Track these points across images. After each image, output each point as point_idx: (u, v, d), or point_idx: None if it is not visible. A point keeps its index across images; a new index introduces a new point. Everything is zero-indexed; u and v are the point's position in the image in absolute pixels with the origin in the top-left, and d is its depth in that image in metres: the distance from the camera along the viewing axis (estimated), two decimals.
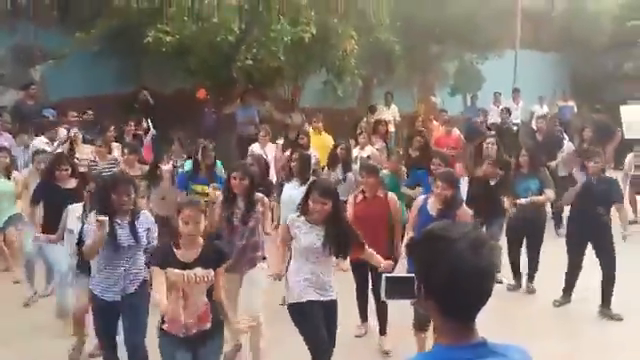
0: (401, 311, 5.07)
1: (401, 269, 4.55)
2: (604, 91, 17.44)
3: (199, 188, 6.33)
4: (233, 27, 10.64)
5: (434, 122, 12.33)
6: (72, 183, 5.78)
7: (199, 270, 3.63)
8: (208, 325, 3.67)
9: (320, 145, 8.84)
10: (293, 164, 6.24)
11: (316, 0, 11.62)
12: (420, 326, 4.78)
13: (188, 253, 3.66)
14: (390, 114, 12.44)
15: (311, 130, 9.62)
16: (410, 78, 15.05)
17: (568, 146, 10.10)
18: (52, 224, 5.41)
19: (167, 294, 3.58)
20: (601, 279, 6.10)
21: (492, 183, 6.75)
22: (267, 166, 7.16)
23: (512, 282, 6.91)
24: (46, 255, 5.79)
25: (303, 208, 4.18)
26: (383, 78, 14.44)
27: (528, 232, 6.79)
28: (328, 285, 4.17)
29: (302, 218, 4.18)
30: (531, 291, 6.80)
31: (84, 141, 8.57)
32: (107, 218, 3.96)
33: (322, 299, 4.13)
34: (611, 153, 11.33)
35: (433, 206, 4.89)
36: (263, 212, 4.90)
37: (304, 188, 5.50)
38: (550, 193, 6.70)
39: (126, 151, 7.14)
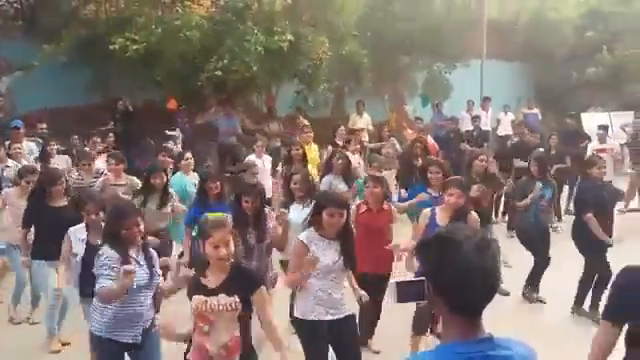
0: (390, 315, 5.17)
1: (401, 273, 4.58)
2: (566, 99, 18.00)
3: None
4: (200, 37, 10.61)
5: (408, 130, 12.52)
6: (63, 201, 5.45)
7: (223, 297, 3.31)
8: (236, 358, 3.34)
9: (311, 156, 8.49)
10: (294, 185, 5.58)
11: (287, 10, 11.74)
12: (419, 330, 4.83)
13: (213, 278, 3.37)
14: (363, 123, 12.54)
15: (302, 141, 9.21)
16: (380, 87, 15.24)
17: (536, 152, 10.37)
18: (45, 246, 5.19)
19: (193, 324, 3.37)
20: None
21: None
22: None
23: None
24: (33, 278, 5.57)
25: (315, 223, 3.94)
26: (354, 88, 14.58)
27: (538, 240, 6.69)
28: (339, 303, 3.96)
29: (317, 234, 3.93)
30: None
31: (58, 152, 8.42)
32: (134, 268, 3.62)
33: (333, 318, 3.92)
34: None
35: (442, 217, 4.77)
36: (274, 227, 4.86)
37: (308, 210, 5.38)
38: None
39: (113, 161, 6.81)
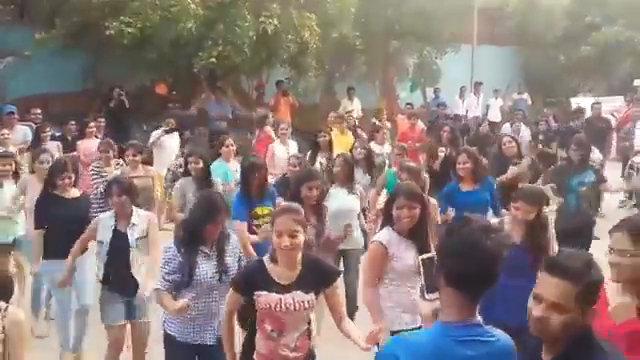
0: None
1: None
2: (556, 84, 18.15)
3: (264, 210, 5.09)
4: (195, 16, 10.63)
5: (400, 116, 12.67)
6: (75, 193, 5.05)
7: (299, 294, 2.95)
8: (302, 356, 3.03)
9: (345, 146, 8.21)
10: (337, 169, 5.43)
11: None
12: None
13: (286, 273, 2.97)
14: (354, 108, 12.65)
15: (335, 129, 9.20)
16: (371, 73, 15.34)
17: (526, 134, 10.59)
18: (57, 244, 4.71)
19: (258, 324, 3.01)
20: None
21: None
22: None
23: None
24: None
25: (387, 219, 3.60)
26: (344, 73, 14.67)
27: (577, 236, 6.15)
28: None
29: (395, 233, 3.54)
30: None
31: (52, 138, 8.51)
32: (189, 304, 3.33)
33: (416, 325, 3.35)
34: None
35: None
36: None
37: (353, 197, 5.29)
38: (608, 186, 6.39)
39: (130, 152, 6.30)
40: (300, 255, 2.97)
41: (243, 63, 11.01)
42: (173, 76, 11.74)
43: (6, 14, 11.66)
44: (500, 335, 1.95)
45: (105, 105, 11.37)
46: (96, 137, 8.72)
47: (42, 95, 11.41)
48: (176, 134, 10.14)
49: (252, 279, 3.00)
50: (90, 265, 4.80)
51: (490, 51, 18.22)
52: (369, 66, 14.49)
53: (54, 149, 8.21)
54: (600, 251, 2.55)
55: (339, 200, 5.17)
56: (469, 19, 16.93)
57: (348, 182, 5.39)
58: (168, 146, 9.61)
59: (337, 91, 14.84)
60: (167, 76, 11.77)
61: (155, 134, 9.67)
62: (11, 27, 11.57)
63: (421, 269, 2.08)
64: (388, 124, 11.61)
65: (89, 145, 8.47)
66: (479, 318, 1.91)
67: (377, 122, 10.66)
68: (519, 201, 3.94)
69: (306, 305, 2.96)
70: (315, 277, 2.99)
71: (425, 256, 2.11)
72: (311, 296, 2.97)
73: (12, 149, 8.06)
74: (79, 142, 8.69)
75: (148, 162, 7.22)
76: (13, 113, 9.05)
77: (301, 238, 2.90)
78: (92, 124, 8.90)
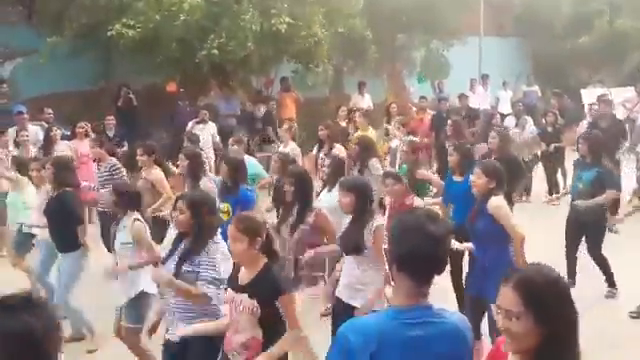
0: None
1: None
2: (566, 75, 18.01)
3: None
4: (197, 19, 10.62)
5: (413, 109, 12.63)
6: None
7: (245, 297, 3.12)
8: (247, 358, 3.16)
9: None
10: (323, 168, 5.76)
11: None
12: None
13: (245, 274, 3.21)
14: (365, 103, 12.58)
15: (358, 126, 9.21)
16: (380, 66, 15.28)
17: (531, 130, 10.49)
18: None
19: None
20: None
21: None
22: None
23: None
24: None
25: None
26: (353, 66, 14.61)
27: (586, 233, 6.23)
28: None
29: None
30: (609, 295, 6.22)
31: (62, 138, 8.53)
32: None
33: None
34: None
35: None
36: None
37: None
38: (610, 194, 6.06)
39: (139, 152, 6.24)
40: (262, 261, 3.14)
41: (248, 58, 10.94)
42: (181, 74, 11.73)
43: (15, 15, 11.69)
44: (452, 317, 2.04)
45: (114, 104, 11.40)
46: (86, 137, 8.64)
47: (52, 95, 11.43)
48: (211, 125, 10.12)
49: (233, 273, 3.30)
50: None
51: (497, 42, 18.10)
52: (377, 60, 14.43)
53: (66, 149, 8.23)
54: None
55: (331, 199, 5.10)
56: (475, 10, 16.82)
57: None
58: (200, 138, 9.67)
59: (346, 85, 14.80)
60: (175, 74, 11.75)
61: (190, 126, 9.73)
62: (20, 28, 11.60)
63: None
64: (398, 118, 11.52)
65: (79, 146, 8.51)
66: (428, 302, 1.99)
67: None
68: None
69: (249, 310, 3.07)
70: (263, 286, 3.10)
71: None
72: (254, 302, 3.06)
73: (32, 149, 8.10)
74: (70, 142, 8.65)
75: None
76: (23, 113, 9.04)
77: (239, 246, 3.08)
78: (82, 124, 8.85)
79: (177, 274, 3.54)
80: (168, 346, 3.66)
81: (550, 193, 9.97)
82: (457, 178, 5.62)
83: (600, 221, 6.14)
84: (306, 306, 4.33)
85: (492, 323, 4.14)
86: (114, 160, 6.99)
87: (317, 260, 4.46)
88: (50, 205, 5.29)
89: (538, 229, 6.98)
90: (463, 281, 5.30)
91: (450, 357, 1.99)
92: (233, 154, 6.32)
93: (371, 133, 8.67)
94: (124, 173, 6.82)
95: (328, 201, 5.15)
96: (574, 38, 17.61)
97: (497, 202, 4.21)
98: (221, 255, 3.73)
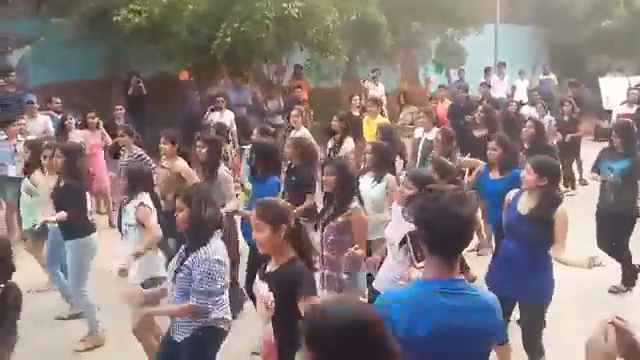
0: None
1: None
2: (584, 63, 17.61)
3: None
4: (207, 6, 10.44)
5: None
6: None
7: (264, 287, 2.92)
8: (264, 348, 3.03)
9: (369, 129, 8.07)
10: (370, 155, 5.13)
11: None
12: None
13: (271, 264, 2.98)
14: (379, 93, 12.29)
15: (366, 115, 9.02)
16: (394, 54, 15.02)
17: (548, 120, 10.21)
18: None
19: None
20: None
21: None
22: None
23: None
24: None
25: None
26: (366, 55, 14.37)
27: (615, 229, 5.93)
28: None
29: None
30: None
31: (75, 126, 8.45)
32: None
33: None
34: None
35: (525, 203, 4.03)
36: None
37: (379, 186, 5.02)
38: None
39: (162, 140, 5.81)
40: (289, 253, 2.87)
41: (261, 44, 10.74)
42: (191, 61, 11.59)
43: (24, 4, 11.60)
44: (481, 290, 2.15)
45: (124, 93, 11.30)
46: (97, 128, 8.61)
47: (61, 83, 11.36)
48: (228, 113, 10.15)
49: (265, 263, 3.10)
50: None
51: (513, 30, 17.74)
52: (391, 48, 14.18)
53: (80, 138, 8.14)
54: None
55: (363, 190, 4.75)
56: None
57: (378, 171, 5.06)
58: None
59: (359, 75, 14.57)
60: (185, 62, 11.61)
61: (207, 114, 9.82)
62: (29, 17, 11.51)
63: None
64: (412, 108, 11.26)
65: (90, 137, 8.42)
66: (459, 275, 2.08)
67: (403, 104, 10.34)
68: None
69: (265, 299, 2.85)
70: (283, 282, 2.82)
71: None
72: (270, 295, 2.83)
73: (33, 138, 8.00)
74: (79, 132, 8.50)
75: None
76: (33, 102, 9.00)
77: (261, 235, 2.83)
78: (93, 114, 8.69)
79: (174, 280, 3.36)
80: (165, 340, 3.56)
81: (565, 185, 9.74)
82: (494, 175, 5.37)
83: (629, 215, 5.86)
84: None
85: (527, 327, 4.03)
86: (139, 149, 6.83)
87: (342, 261, 4.08)
88: (57, 192, 5.24)
89: None
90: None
91: (486, 328, 2.06)
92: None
93: (383, 121, 8.45)
94: (150, 162, 6.60)
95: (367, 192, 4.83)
96: (593, 23, 17.13)
97: (562, 211, 3.91)
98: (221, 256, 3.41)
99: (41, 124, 8.85)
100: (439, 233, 2.02)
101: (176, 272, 3.36)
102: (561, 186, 9.66)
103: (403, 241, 3.45)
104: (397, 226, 3.73)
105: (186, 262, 3.31)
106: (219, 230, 3.48)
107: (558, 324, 4.77)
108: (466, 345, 2.01)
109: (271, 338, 2.94)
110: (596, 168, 6.16)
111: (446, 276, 2.04)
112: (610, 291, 5.97)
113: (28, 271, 5.67)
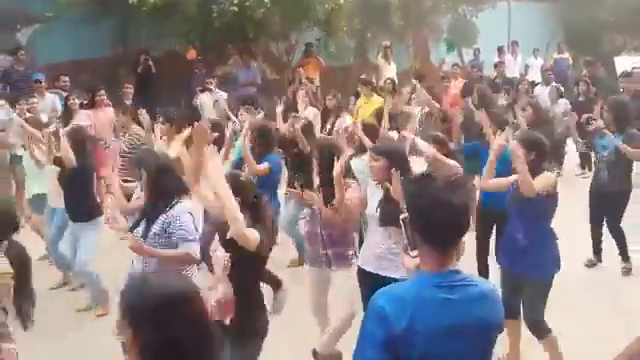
0: None
1: None
2: (599, 42, 17.25)
3: None
4: None
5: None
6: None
7: (221, 250, 3.26)
8: (226, 321, 3.21)
9: (364, 109, 8.08)
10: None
11: None
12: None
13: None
14: (390, 72, 12.04)
15: (361, 95, 8.98)
16: (404, 32, 14.78)
17: (563, 103, 10.01)
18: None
19: None
20: None
21: None
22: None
23: (592, 258, 6.24)
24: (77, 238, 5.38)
25: None
26: (377, 32, 14.14)
27: (608, 207, 6.00)
28: None
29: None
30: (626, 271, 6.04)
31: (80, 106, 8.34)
32: None
33: None
34: None
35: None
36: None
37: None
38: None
39: (160, 120, 5.88)
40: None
41: (268, 20, 10.57)
42: (200, 39, 11.47)
43: None
44: (480, 281, 2.09)
45: (133, 71, 11.22)
46: (106, 106, 8.41)
47: (70, 62, 11.29)
48: (220, 93, 10.14)
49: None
50: None
51: (527, 7, 17.38)
52: (402, 26, 13.95)
53: (85, 119, 8.07)
54: None
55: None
56: None
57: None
58: (206, 106, 9.77)
59: (370, 53, 14.36)
60: (194, 39, 11.49)
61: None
62: None
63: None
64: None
65: (100, 116, 8.29)
66: (455, 267, 2.01)
67: (417, 84, 10.14)
68: None
69: (223, 262, 3.19)
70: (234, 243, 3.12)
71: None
72: (226, 255, 3.17)
73: (43, 117, 7.95)
74: (89, 112, 8.26)
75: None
76: (41, 81, 8.94)
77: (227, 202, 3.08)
78: (102, 92, 8.47)
79: (145, 237, 3.57)
80: None
81: (582, 167, 9.58)
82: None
83: (623, 192, 5.90)
84: (339, 280, 4.26)
85: (528, 303, 4.05)
86: (140, 129, 6.61)
87: (348, 237, 4.25)
88: (66, 175, 5.25)
89: (569, 204, 6.67)
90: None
91: (487, 320, 2.01)
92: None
93: (375, 101, 8.32)
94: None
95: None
96: (609, 1, 16.73)
97: (545, 175, 4.00)
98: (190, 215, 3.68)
99: (49, 103, 8.81)
100: (430, 222, 1.96)
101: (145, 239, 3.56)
102: (578, 168, 9.74)
103: (383, 219, 3.77)
104: (371, 196, 4.00)
105: (154, 230, 3.56)
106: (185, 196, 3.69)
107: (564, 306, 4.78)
108: (468, 340, 1.96)
109: (224, 297, 3.18)
110: (591, 145, 6.25)
111: (442, 267, 1.99)
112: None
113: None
